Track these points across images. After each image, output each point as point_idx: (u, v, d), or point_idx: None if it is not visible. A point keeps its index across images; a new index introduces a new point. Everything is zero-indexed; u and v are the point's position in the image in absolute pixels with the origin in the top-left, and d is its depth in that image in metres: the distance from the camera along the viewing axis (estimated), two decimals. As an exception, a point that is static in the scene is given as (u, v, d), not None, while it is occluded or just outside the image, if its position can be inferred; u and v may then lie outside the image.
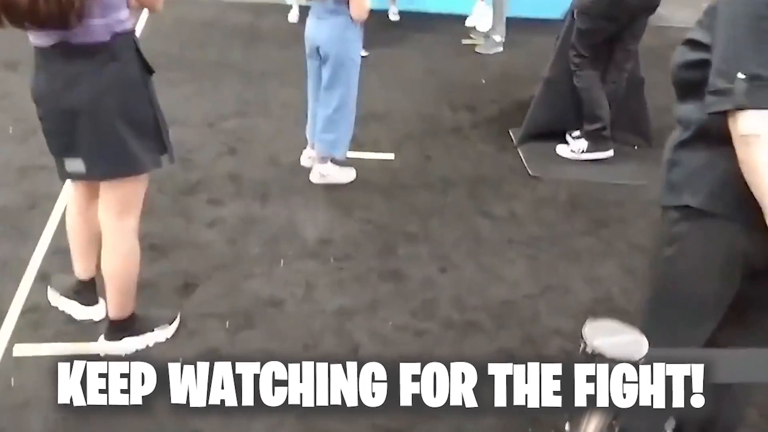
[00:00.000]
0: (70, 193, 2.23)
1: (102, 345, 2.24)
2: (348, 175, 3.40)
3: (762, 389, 2.30)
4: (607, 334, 1.02)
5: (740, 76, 1.27)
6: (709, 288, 1.51)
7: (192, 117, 3.88)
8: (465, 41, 5.64)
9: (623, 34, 3.58)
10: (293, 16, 5.71)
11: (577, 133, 3.87)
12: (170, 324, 2.34)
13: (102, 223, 2.11)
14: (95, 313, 2.37)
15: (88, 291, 2.36)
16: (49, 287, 2.43)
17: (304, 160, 3.48)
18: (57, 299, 2.39)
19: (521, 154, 3.79)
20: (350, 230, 3.02)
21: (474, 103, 4.44)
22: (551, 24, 5.53)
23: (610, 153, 3.77)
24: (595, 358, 0.97)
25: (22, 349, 2.24)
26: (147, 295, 2.45)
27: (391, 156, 3.68)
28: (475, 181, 3.51)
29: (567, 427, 1.04)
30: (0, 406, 2.04)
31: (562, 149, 3.83)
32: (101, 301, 2.37)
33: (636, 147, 3.97)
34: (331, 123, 3.19)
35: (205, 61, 4.80)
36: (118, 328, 2.23)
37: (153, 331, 2.29)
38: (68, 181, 2.22)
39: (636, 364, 0.98)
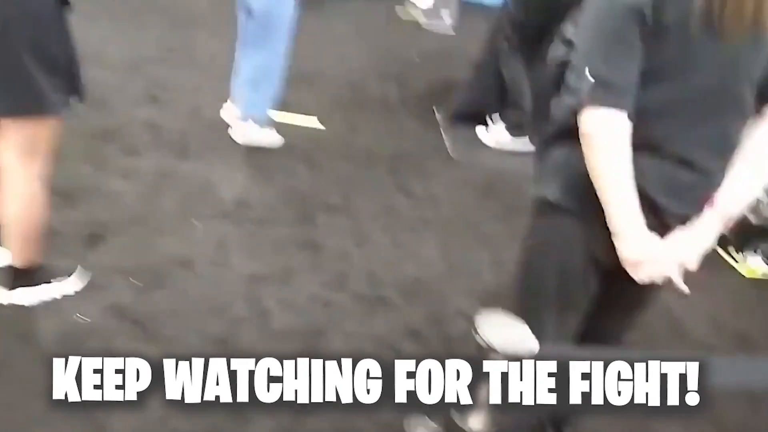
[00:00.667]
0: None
1: (3, 295, 2.13)
2: (272, 139, 3.34)
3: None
4: (499, 327, 1.07)
5: (587, 74, 1.32)
6: (563, 281, 1.55)
7: (111, 58, 3.68)
8: (402, 16, 5.62)
9: (554, 27, 3.68)
10: None
11: (497, 117, 3.97)
12: (70, 276, 2.25)
13: (4, 166, 1.98)
14: (-4, 258, 2.24)
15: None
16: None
17: (224, 113, 3.37)
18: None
19: (445, 135, 3.87)
20: (269, 195, 2.99)
21: (404, 78, 4.47)
22: (492, 10, 5.62)
23: (528, 143, 3.90)
24: (489, 352, 1.03)
25: None
26: (52, 243, 2.33)
27: (316, 121, 3.65)
28: (397, 156, 3.56)
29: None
30: None
31: (482, 133, 3.93)
32: (3, 249, 2.24)
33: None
34: (250, 82, 3.10)
35: (130, 1, 4.54)
36: (20, 277, 2.12)
37: (50, 282, 2.20)
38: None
39: (521, 360, 1.04)
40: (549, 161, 1.53)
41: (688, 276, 1.48)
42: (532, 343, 1.11)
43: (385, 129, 3.79)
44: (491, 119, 4.03)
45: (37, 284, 2.16)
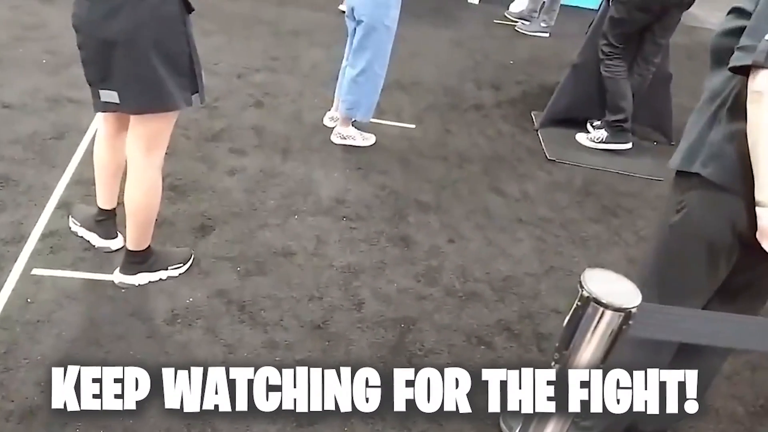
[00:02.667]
0: (99, 124, 2.29)
1: (117, 275, 2.33)
2: (367, 139, 3.45)
3: (746, 384, 2.37)
4: (604, 282, 1.05)
5: (766, 37, 1.29)
6: (706, 262, 1.55)
7: (222, 67, 3.94)
8: (497, 20, 5.64)
9: (655, 27, 3.58)
10: None
11: (598, 122, 3.89)
12: (184, 263, 2.43)
13: (129, 156, 2.17)
14: (113, 243, 2.46)
15: (108, 222, 2.44)
16: (70, 215, 2.52)
17: (327, 120, 3.53)
18: (77, 227, 2.48)
19: (540, 137, 3.83)
20: (365, 193, 3.08)
21: (499, 83, 4.46)
22: (584, 12, 5.53)
23: (628, 145, 3.79)
24: (590, 302, 1.01)
25: (40, 271, 2.34)
26: (164, 232, 2.54)
27: (412, 126, 3.73)
28: (491, 158, 3.56)
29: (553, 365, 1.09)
30: (16, 320, 2.14)
31: (581, 137, 3.86)
32: (119, 234, 2.46)
33: (655, 143, 3.99)
34: (355, 85, 3.23)
35: (239, 13, 4.84)
36: (134, 260, 2.31)
37: (167, 268, 2.38)
38: (97, 114, 2.27)
39: (628, 313, 1.01)
40: (703, 136, 1.50)
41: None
42: (636, 298, 1.07)
43: (479, 132, 3.80)
44: (589, 123, 3.95)
45: (149, 268, 2.34)
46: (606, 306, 1.00)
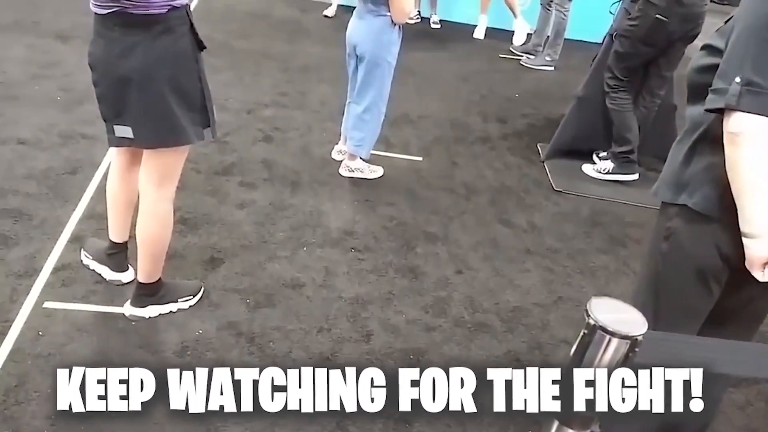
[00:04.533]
0: (113, 158, 2.33)
1: (127, 308, 2.35)
2: (375, 171, 3.49)
3: (759, 415, 2.34)
4: (610, 311, 1.06)
5: (737, 79, 1.37)
6: (697, 286, 1.60)
7: (232, 103, 4.01)
8: (502, 54, 5.73)
9: (660, 61, 3.63)
10: (330, 11, 5.87)
11: (604, 153, 3.92)
12: (194, 295, 2.45)
13: (141, 190, 2.21)
14: (124, 276, 2.48)
15: (119, 255, 2.47)
16: (82, 248, 2.56)
17: (335, 154, 3.58)
18: (88, 260, 2.51)
19: (547, 169, 3.86)
20: (373, 225, 3.10)
21: (505, 115, 4.52)
22: (588, 45, 5.61)
23: (635, 176, 3.81)
24: (597, 330, 1.02)
25: (52, 304, 2.36)
26: (174, 265, 2.56)
27: (419, 158, 3.77)
28: (498, 190, 3.58)
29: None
30: (27, 353, 2.15)
31: (587, 168, 3.88)
32: (130, 267, 2.48)
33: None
34: (360, 122, 3.29)
35: (249, 50, 4.95)
36: (145, 293, 2.33)
37: (177, 301, 2.40)
38: (110, 149, 2.32)
39: (634, 341, 1.02)
40: (685, 168, 1.57)
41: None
42: (642, 326, 1.08)
43: (486, 164, 3.84)
44: (595, 155, 3.98)
45: (159, 300, 2.36)
46: (612, 334, 1.01)
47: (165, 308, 2.37)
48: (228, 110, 3.89)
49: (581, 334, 1.03)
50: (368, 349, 2.38)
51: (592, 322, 1.01)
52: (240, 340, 2.34)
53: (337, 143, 3.62)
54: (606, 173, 3.82)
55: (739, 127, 1.38)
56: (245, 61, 4.73)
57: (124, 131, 2.05)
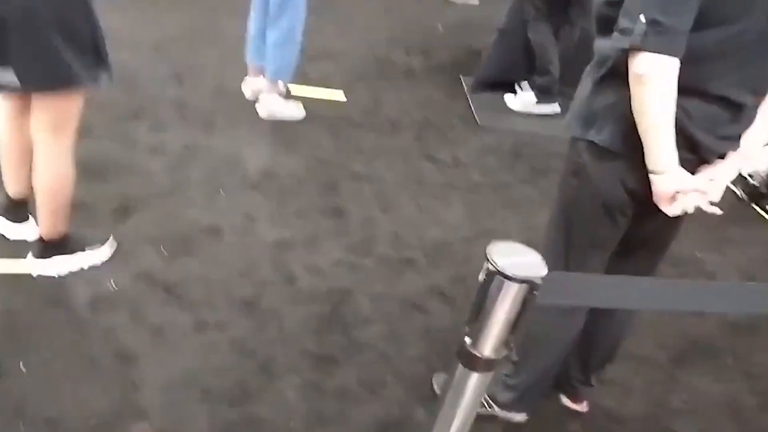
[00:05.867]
0: (1, 108, 2.14)
1: (33, 263, 2.21)
2: (296, 111, 3.37)
3: (668, 330, 2.46)
4: (510, 255, 1.06)
5: (641, 18, 1.34)
6: (604, 219, 1.63)
7: (138, 42, 3.74)
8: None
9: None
10: None
11: (526, 84, 3.92)
12: (103, 245, 2.32)
13: (34, 140, 2.04)
14: (27, 231, 2.32)
15: (19, 209, 2.30)
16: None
17: (246, 91, 3.41)
18: (-14, 216, 2.33)
19: (471, 103, 3.83)
20: (294, 165, 3.01)
21: (428, 48, 4.43)
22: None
23: (557, 107, 3.84)
24: (495, 275, 1.02)
25: (-51, 264, 2.20)
26: (82, 216, 2.40)
27: (341, 94, 3.66)
28: (422, 125, 3.54)
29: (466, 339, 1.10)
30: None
31: (510, 99, 3.88)
32: (32, 219, 2.32)
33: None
34: (278, 49, 3.15)
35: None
36: (49, 247, 2.19)
37: (84, 250, 2.26)
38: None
39: (533, 284, 1.03)
40: (593, 103, 1.56)
41: (721, 230, 1.51)
42: (542, 269, 1.09)
43: (410, 99, 3.77)
44: (518, 86, 3.97)
45: (65, 254, 2.22)
46: (511, 278, 1.02)
47: (73, 262, 2.24)
48: (134, 50, 3.63)
49: (481, 279, 1.02)
50: (292, 292, 2.34)
51: (491, 267, 1.01)
52: (156, 290, 2.25)
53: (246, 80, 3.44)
54: (529, 105, 3.82)
55: (645, 67, 1.36)
56: (152, -4, 4.41)
57: (5, 77, 1.87)
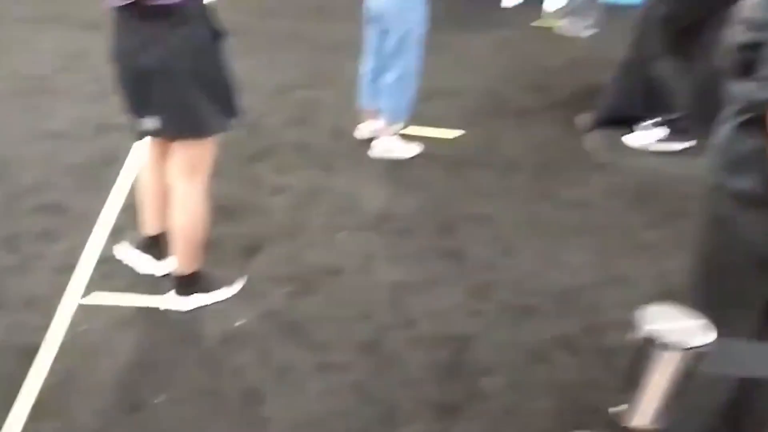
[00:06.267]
0: (144, 151, 2.29)
1: (167, 300, 2.32)
2: (410, 150, 3.39)
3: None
4: (667, 319, 0.97)
5: None
6: (753, 275, 1.49)
7: (262, 85, 3.93)
8: (534, 23, 5.50)
9: (711, 21, 3.41)
10: None
11: (651, 122, 3.73)
12: (233, 284, 2.40)
13: (171, 183, 2.17)
14: (159, 268, 2.45)
15: (155, 247, 2.44)
16: (120, 241, 2.53)
17: (360, 133, 3.47)
18: (125, 253, 2.48)
19: (590, 140, 3.70)
20: (411, 205, 3.01)
21: (543, 85, 4.34)
22: (628, 9, 5.35)
23: (684, 144, 3.62)
24: (656, 344, 0.93)
25: (94, 298, 2.35)
26: (212, 255, 2.51)
27: (455, 134, 3.65)
28: (540, 164, 3.44)
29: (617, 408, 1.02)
30: (71, 349, 2.15)
31: (633, 138, 3.71)
32: (167, 259, 2.45)
33: (713, 140, 3.81)
34: (394, 90, 3.20)
35: (278, 31, 4.84)
36: (183, 284, 2.30)
37: (215, 288, 2.36)
38: (141, 141, 2.29)
39: (699, 354, 0.94)
40: (737, 149, 1.45)
41: None
42: (706, 335, 0.99)
43: (526, 138, 3.69)
44: (640, 123, 3.79)
45: (197, 290, 2.32)
46: (673, 347, 0.94)
47: (204, 299, 2.34)
48: (258, 93, 3.81)
49: (635, 347, 0.95)
50: (412, 336, 2.31)
51: (648, 334, 0.93)
52: (282, 329, 2.29)
53: (364, 122, 3.51)
54: (654, 142, 3.64)
55: None
56: (274, 41, 4.64)
57: (149, 123, 2.02)
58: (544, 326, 2.40)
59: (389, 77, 3.19)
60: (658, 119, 3.67)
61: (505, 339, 2.33)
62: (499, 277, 2.62)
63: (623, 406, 1.05)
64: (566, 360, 2.26)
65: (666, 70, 3.51)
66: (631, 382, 1.00)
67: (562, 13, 5.55)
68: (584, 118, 3.88)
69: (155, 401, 1.99)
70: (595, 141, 3.68)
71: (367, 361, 2.19)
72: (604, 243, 2.88)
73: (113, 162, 3.11)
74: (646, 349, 0.98)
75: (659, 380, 1.00)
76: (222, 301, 2.36)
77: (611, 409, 1.04)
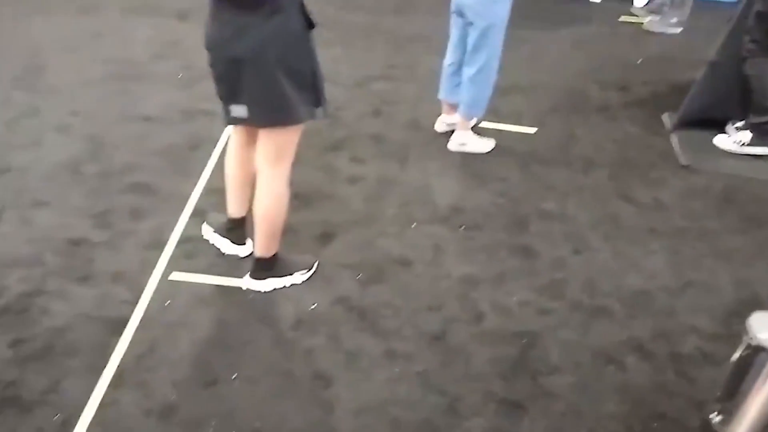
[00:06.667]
0: (231, 137, 2.39)
1: (246, 281, 2.43)
2: (486, 144, 3.39)
3: None
4: None
5: None
6: None
7: (341, 77, 4.02)
8: (622, 18, 5.35)
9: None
10: None
11: (740, 123, 3.58)
12: (308, 269, 2.49)
13: (258, 168, 2.25)
14: (242, 250, 2.56)
15: (238, 230, 2.55)
16: (204, 222, 2.66)
17: (439, 125, 3.50)
18: (209, 234, 2.61)
19: (674, 141, 3.58)
20: (483, 200, 3.01)
21: (626, 83, 4.23)
22: (720, 5, 5.11)
23: (773, 149, 3.46)
24: (762, 352, 0.91)
25: (177, 275, 2.48)
26: (289, 240, 2.61)
27: (532, 130, 3.61)
28: (619, 163, 3.37)
29: (715, 417, 1.01)
30: (155, 322, 2.28)
31: (720, 140, 3.56)
32: (249, 241, 2.56)
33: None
34: (472, 84, 3.20)
35: (358, 24, 4.92)
36: (262, 267, 2.40)
37: (292, 275, 2.45)
38: (229, 127, 2.38)
39: None
40: None
41: None
42: None
43: (605, 135, 3.62)
44: (729, 124, 3.64)
45: (275, 273, 2.41)
46: None
47: (281, 282, 2.43)
48: (338, 84, 3.90)
49: (738, 354, 0.93)
50: (479, 331, 2.33)
51: (754, 341, 0.91)
52: (352, 315, 2.35)
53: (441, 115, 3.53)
54: (743, 145, 3.48)
55: None
56: (354, 34, 4.72)
57: (239, 111, 2.09)
58: (615, 328, 2.36)
59: (469, 71, 3.19)
60: (747, 121, 3.51)
61: (574, 339, 2.31)
62: (571, 276, 2.59)
63: (720, 416, 1.04)
64: (637, 364, 2.22)
65: (759, 70, 3.35)
66: (731, 390, 0.98)
67: (651, 8, 5.37)
68: (669, 117, 3.76)
69: (231, 376, 2.09)
70: (679, 141, 3.56)
71: (433, 352, 2.23)
72: (682, 246, 2.79)
73: (198, 146, 3.26)
74: (755, 356, 0.96)
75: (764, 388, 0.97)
76: (297, 285, 2.45)
77: (711, 417, 1.02)
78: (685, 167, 3.36)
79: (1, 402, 1.96)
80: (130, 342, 2.19)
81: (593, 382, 2.15)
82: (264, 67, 2.00)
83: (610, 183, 3.20)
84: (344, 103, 3.72)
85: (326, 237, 2.72)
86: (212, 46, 2.08)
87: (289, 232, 2.64)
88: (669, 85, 4.22)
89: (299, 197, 2.91)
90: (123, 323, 2.26)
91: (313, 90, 2.12)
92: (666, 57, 4.66)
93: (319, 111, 2.16)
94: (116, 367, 2.10)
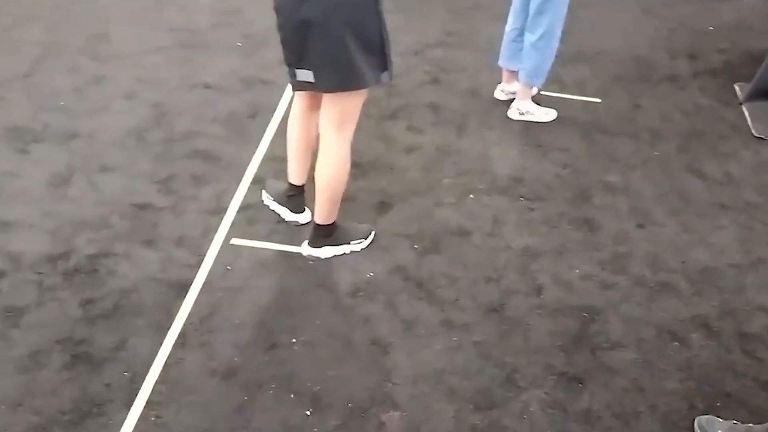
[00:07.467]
0: (294, 103, 2.39)
1: (305, 248, 2.46)
2: (548, 114, 3.30)
3: None
4: None
5: None
6: None
7: (399, 45, 3.95)
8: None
9: None
10: None
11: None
12: (366, 238, 2.50)
13: (321, 134, 2.25)
14: (301, 217, 2.59)
15: (297, 197, 2.57)
16: (263, 189, 2.70)
17: (499, 94, 3.43)
18: (269, 201, 2.64)
19: (746, 112, 3.41)
20: (544, 172, 2.95)
21: (696, 51, 4.03)
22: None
23: None
24: None
25: (237, 241, 2.53)
26: (347, 208, 2.62)
27: (596, 99, 3.50)
28: (688, 135, 3.23)
29: None
30: (217, 285, 2.34)
31: (798, 111, 3.38)
32: (307, 209, 2.58)
33: None
34: (534, 50, 3.11)
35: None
36: (321, 234, 2.42)
37: (350, 243, 2.46)
38: (289, 94, 2.38)
39: None
40: None
41: None
42: None
43: (673, 106, 3.47)
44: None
45: (334, 240, 2.43)
46: None
47: (339, 249, 2.45)
48: (395, 53, 3.82)
49: None
50: (538, 303, 2.30)
51: None
52: (409, 284, 2.36)
53: (500, 83, 3.45)
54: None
55: None
56: (414, 2, 4.64)
57: (305, 75, 2.08)
58: (680, 305, 2.30)
59: (531, 37, 3.10)
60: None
61: (638, 314, 2.26)
62: (635, 251, 2.52)
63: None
64: (701, 342, 2.15)
65: None
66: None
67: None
68: (742, 88, 3.57)
69: (291, 341, 2.13)
70: (751, 113, 3.39)
71: (491, 323, 2.21)
72: (752, 222, 2.68)
73: (258, 114, 3.29)
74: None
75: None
76: (355, 253, 2.46)
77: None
78: (758, 139, 3.20)
79: (73, 358, 2.05)
80: (194, 304, 2.26)
81: (656, 359, 2.10)
82: (332, 30, 1.98)
83: (678, 156, 3.08)
84: (402, 72, 3.67)
85: (384, 206, 2.72)
86: (281, 8, 2.06)
87: (347, 200, 2.65)
88: (743, 53, 4.00)
89: (357, 166, 2.91)
90: (186, 286, 2.32)
91: (380, 54, 2.09)
92: (741, 24, 4.42)
93: (384, 75, 2.14)
94: (180, 328, 2.17)
